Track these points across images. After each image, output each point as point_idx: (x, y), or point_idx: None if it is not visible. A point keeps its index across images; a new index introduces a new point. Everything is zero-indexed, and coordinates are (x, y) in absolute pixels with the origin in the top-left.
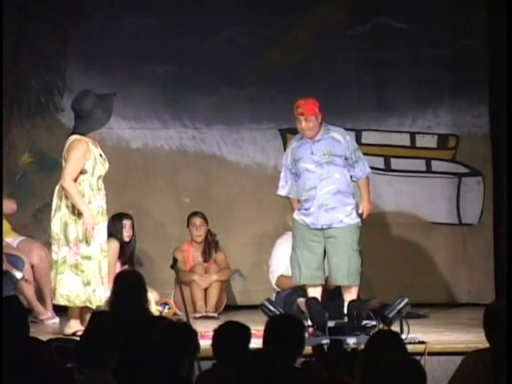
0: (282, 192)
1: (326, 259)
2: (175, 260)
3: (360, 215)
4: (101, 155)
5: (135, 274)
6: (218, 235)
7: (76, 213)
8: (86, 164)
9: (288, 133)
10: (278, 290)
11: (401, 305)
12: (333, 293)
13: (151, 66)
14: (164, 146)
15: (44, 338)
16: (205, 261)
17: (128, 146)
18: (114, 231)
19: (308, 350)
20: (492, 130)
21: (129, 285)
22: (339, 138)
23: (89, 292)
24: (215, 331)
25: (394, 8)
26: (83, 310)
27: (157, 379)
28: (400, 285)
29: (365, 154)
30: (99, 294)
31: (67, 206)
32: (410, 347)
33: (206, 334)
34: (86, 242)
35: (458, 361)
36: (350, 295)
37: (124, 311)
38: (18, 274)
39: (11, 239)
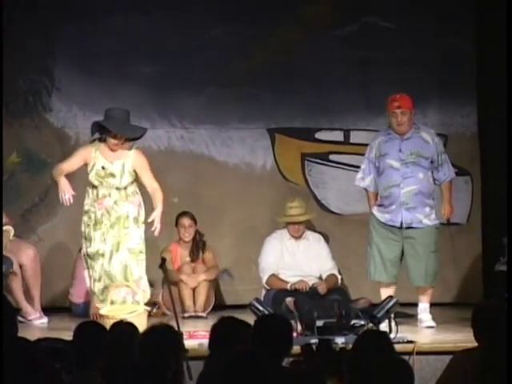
0: (362, 184)
1: (403, 260)
2: (163, 260)
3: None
4: None
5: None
6: (206, 234)
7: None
8: None
9: (276, 132)
10: (268, 288)
11: (389, 304)
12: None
13: (139, 66)
14: (152, 145)
15: (32, 337)
16: (192, 261)
17: None
18: None
19: (296, 349)
20: (480, 130)
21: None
22: (428, 139)
23: None
24: (213, 327)
25: (382, 8)
26: None
27: (144, 382)
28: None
29: (353, 153)
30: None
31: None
32: (398, 347)
33: (194, 333)
34: None
35: (446, 360)
36: (426, 296)
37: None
38: (4, 267)
39: None
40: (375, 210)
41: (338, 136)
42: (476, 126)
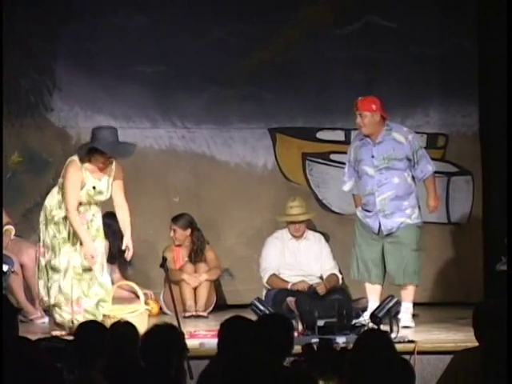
0: (345, 188)
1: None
2: (165, 259)
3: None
4: None
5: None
6: (208, 234)
7: None
8: None
9: (277, 132)
10: (269, 288)
11: (390, 304)
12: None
13: (140, 66)
14: (154, 145)
15: (33, 337)
16: (191, 261)
17: None
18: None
19: (297, 349)
20: (481, 130)
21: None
22: (401, 140)
23: None
24: (221, 326)
25: (383, 7)
26: None
27: (146, 381)
28: (389, 284)
29: None
30: None
31: None
32: (399, 346)
33: (195, 333)
34: None
35: (447, 360)
36: (406, 294)
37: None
38: (4, 267)
39: None
40: (359, 212)
41: (339, 136)
42: (477, 125)
